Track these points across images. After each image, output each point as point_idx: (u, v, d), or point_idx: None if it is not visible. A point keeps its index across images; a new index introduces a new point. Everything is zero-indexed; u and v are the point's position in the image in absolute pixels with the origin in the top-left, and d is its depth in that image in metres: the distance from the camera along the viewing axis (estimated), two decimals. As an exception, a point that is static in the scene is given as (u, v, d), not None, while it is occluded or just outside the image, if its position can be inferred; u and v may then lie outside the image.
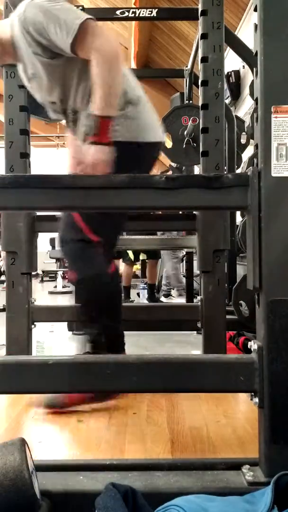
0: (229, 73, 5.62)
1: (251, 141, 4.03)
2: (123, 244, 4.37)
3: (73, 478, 1.05)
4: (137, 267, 7.59)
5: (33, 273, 2.09)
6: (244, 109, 5.38)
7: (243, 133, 4.09)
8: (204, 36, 2.00)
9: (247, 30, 5.24)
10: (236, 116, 3.92)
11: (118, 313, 1.70)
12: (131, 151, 1.54)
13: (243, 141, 4.06)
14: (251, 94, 4.39)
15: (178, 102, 4.13)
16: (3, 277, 3.73)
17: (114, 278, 1.68)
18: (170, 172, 4.92)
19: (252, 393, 1.07)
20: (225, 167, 2.52)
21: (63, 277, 7.84)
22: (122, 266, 6.06)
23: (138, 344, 3.37)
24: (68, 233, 1.60)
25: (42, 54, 1.49)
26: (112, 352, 1.62)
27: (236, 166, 3.66)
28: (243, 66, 5.46)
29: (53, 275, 9.33)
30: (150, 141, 1.62)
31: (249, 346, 1.10)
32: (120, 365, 1.09)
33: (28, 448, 0.96)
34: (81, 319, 1.73)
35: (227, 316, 2.09)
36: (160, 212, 2.32)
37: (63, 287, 7.56)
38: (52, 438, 1.37)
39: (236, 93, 5.75)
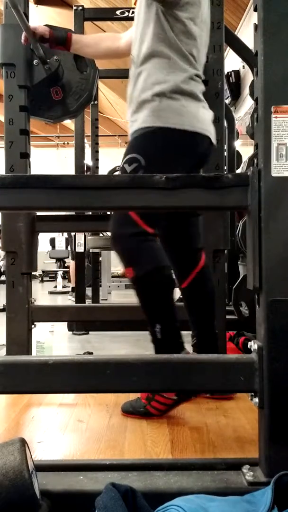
0: (229, 73, 5.62)
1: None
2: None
3: (73, 478, 1.05)
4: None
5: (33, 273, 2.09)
6: (244, 109, 5.38)
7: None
8: (204, 36, 2.00)
9: (247, 30, 5.24)
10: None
11: (175, 308, 1.55)
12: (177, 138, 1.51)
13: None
14: (251, 94, 4.39)
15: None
16: (3, 277, 3.73)
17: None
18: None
19: (252, 393, 1.07)
20: (225, 167, 2.52)
21: (63, 277, 7.84)
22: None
23: (138, 344, 3.37)
24: (121, 229, 1.51)
25: None
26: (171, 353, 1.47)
27: (236, 166, 3.67)
28: (243, 66, 5.46)
29: (53, 275, 9.33)
30: (197, 131, 1.54)
31: (249, 346, 1.10)
32: (120, 365, 1.09)
33: (28, 448, 0.96)
34: (145, 318, 1.54)
35: (227, 316, 2.09)
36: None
37: (63, 287, 7.56)
38: (52, 438, 1.37)
39: (236, 93, 5.76)
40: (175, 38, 1.51)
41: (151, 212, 1.52)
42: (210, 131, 1.59)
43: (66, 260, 9.57)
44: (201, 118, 1.56)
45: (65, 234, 9.00)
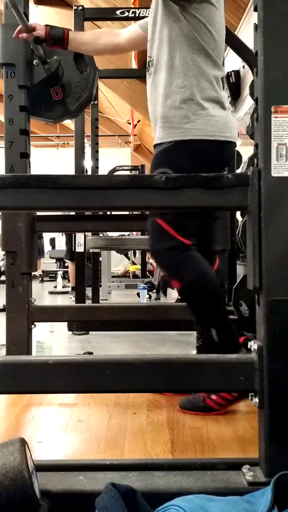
0: (229, 73, 5.62)
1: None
2: (119, 244, 4.41)
3: (73, 478, 1.05)
4: (136, 267, 7.59)
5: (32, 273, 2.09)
6: (244, 109, 5.38)
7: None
8: (204, 36, 1.99)
9: (247, 30, 5.24)
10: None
11: (226, 311, 1.60)
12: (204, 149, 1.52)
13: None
14: (251, 94, 4.38)
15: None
16: (3, 277, 3.73)
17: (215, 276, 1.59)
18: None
19: (252, 393, 1.07)
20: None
21: (63, 277, 7.84)
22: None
23: (138, 344, 3.37)
24: (159, 243, 1.54)
25: None
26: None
27: (236, 166, 3.66)
28: (243, 66, 5.45)
29: (53, 275, 9.33)
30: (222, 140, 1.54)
31: (249, 346, 1.10)
32: (120, 365, 1.09)
33: (28, 448, 0.96)
34: (199, 328, 1.59)
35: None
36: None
37: (63, 287, 7.55)
38: (52, 438, 1.37)
39: (236, 93, 5.75)
40: (197, 37, 1.49)
41: (184, 221, 1.52)
42: (235, 136, 1.59)
43: (66, 260, 9.57)
44: (229, 125, 1.55)
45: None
